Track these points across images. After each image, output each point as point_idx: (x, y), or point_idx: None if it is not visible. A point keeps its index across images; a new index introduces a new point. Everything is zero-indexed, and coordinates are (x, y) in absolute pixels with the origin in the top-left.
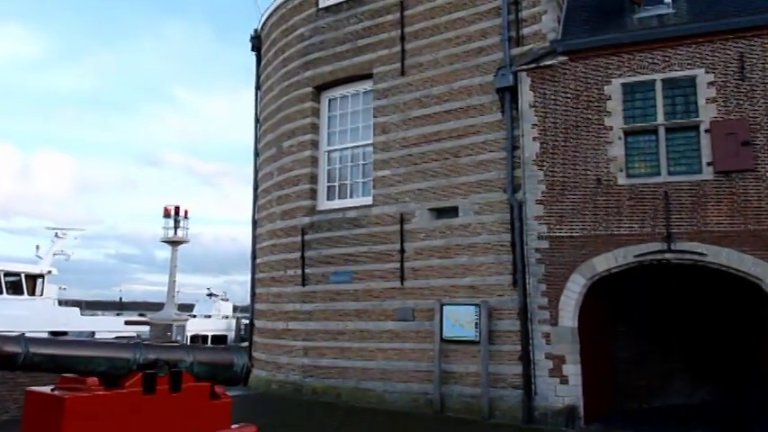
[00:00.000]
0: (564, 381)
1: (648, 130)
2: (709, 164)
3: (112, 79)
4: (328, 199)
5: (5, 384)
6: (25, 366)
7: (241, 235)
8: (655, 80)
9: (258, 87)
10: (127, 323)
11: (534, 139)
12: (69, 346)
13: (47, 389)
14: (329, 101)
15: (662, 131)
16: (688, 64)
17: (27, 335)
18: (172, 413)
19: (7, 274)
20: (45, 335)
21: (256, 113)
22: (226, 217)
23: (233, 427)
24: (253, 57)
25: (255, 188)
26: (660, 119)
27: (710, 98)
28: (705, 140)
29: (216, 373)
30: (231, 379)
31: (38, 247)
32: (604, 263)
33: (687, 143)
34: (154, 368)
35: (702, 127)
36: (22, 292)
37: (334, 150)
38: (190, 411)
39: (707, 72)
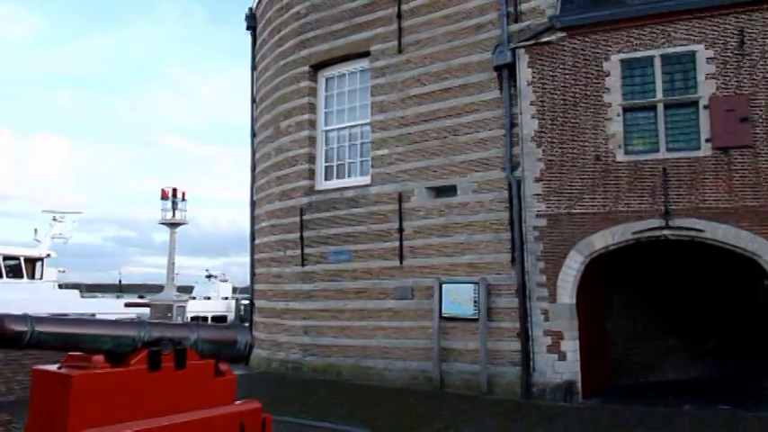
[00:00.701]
0: (562, 357)
1: (647, 106)
2: (707, 140)
3: (106, 62)
4: (326, 179)
5: (10, 366)
6: (31, 345)
7: (239, 216)
8: (654, 56)
9: (254, 67)
10: (127, 305)
11: (533, 116)
12: (75, 324)
13: (53, 367)
14: (326, 80)
15: (660, 108)
16: (687, 39)
17: (31, 314)
18: (177, 390)
19: (6, 257)
20: None
21: (253, 93)
22: (223, 199)
23: (237, 402)
24: (248, 36)
25: (253, 169)
26: (659, 95)
27: (710, 74)
28: (704, 117)
29: (220, 351)
30: (235, 356)
31: (36, 231)
32: (602, 240)
33: (686, 119)
34: (158, 346)
35: (701, 103)
36: (21, 276)
37: (332, 130)
38: (195, 388)
39: (706, 48)
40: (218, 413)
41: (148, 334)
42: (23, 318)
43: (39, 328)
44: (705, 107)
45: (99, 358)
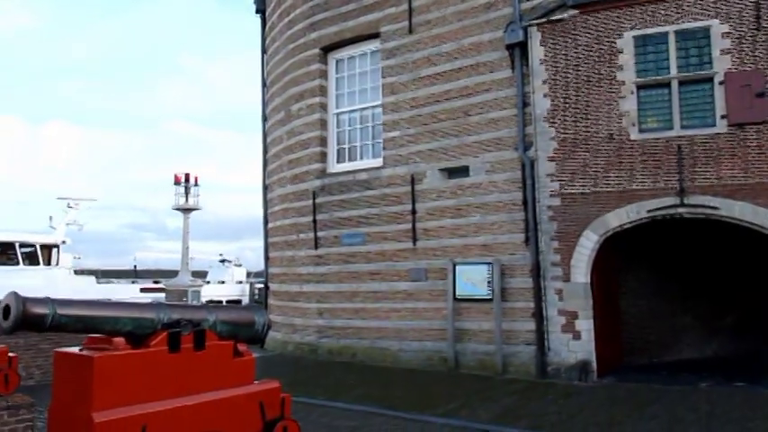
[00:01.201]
0: (577, 336)
1: (661, 83)
2: (723, 117)
3: (116, 49)
4: (338, 162)
5: (29, 351)
6: (53, 327)
7: (252, 201)
8: (668, 32)
9: (264, 51)
10: (142, 290)
11: (545, 95)
12: (95, 307)
13: (75, 349)
14: (336, 62)
15: (675, 84)
16: (702, 14)
17: (53, 297)
18: (197, 371)
19: (23, 245)
20: None
21: (263, 77)
22: (235, 183)
23: (256, 383)
24: (258, 19)
25: (265, 153)
26: (673, 72)
27: (725, 49)
28: (719, 93)
29: (238, 332)
30: (253, 337)
31: (51, 218)
32: (617, 219)
33: (701, 96)
34: (178, 327)
35: (716, 79)
36: (38, 263)
37: (343, 112)
38: (214, 369)
39: (721, 22)
40: (238, 393)
41: (167, 316)
42: (45, 301)
43: (60, 311)
44: (720, 83)
45: (119, 340)
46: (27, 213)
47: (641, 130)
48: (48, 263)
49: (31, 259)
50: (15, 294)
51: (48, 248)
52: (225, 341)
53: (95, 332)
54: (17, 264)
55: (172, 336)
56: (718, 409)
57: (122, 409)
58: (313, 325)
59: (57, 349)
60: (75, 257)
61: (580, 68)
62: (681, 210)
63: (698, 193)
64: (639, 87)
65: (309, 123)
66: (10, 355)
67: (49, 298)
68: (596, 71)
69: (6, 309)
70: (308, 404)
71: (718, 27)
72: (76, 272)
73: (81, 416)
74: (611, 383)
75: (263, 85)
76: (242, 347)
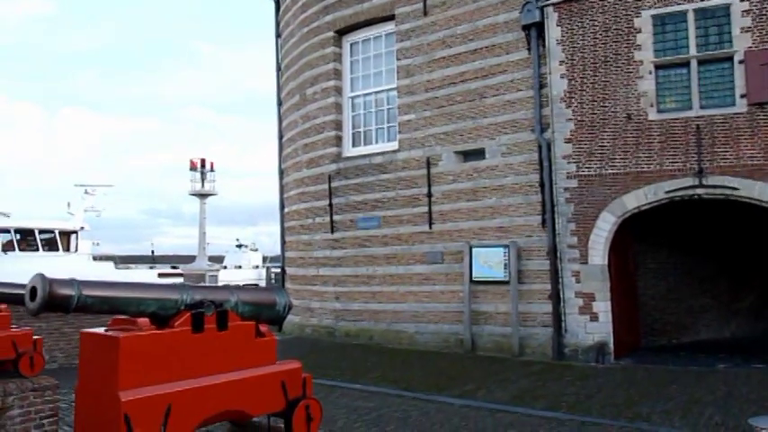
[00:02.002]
0: (594, 318)
1: (680, 63)
2: (742, 96)
3: (131, 36)
4: (354, 145)
5: (52, 335)
6: (79, 308)
7: (267, 185)
8: (687, 10)
9: (278, 35)
10: (160, 275)
11: (562, 76)
12: (119, 288)
13: (101, 330)
14: (351, 45)
15: (694, 64)
16: None
17: (78, 278)
18: (220, 351)
19: (42, 231)
20: None
21: (278, 61)
22: (251, 169)
23: (278, 363)
24: (272, 3)
25: (280, 137)
26: (692, 51)
27: (745, 27)
28: (739, 72)
29: (260, 313)
30: (274, 318)
31: (69, 204)
32: (635, 200)
33: (720, 75)
34: (201, 308)
35: (736, 58)
36: (57, 249)
37: (358, 96)
38: (237, 349)
39: (741, 0)
40: (260, 373)
41: (190, 297)
42: (71, 282)
43: (86, 292)
44: (740, 62)
45: (144, 321)
46: (45, 200)
47: (659, 111)
48: (67, 249)
49: (51, 246)
50: (42, 276)
51: (66, 235)
52: (247, 322)
53: (120, 313)
54: (37, 250)
55: (195, 316)
56: (735, 390)
57: (148, 388)
58: (330, 308)
59: (83, 330)
60: (93, 243)
61: (597, 48)
62: (699, 191)
63: (717, 173)
64: (658, 67)
65: (324, 107)
66: (35, 338)
67: (74, 279)
68: (614, 51)
69: (33, 290)
70: (327, 386)
71: (738, 5)
72: (95, 258)
73: (108, 395)
74: (628, 365)
75: (278, 69)
76: (264, 328)
